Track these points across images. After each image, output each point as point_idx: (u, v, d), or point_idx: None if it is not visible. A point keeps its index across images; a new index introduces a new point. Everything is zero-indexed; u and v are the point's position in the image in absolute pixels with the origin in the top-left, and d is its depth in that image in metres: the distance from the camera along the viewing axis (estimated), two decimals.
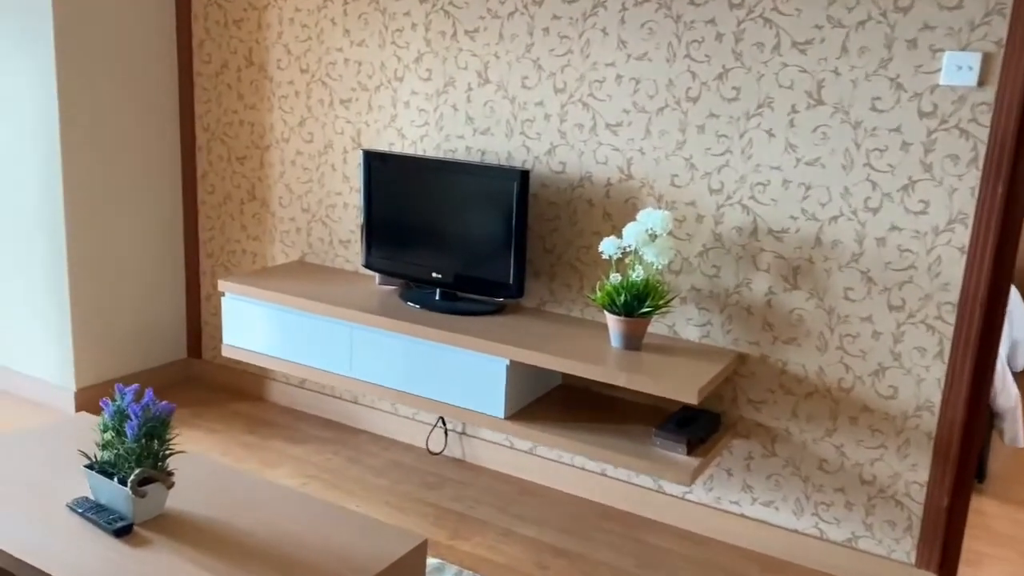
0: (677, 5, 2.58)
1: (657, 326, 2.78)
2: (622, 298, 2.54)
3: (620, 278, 2.55)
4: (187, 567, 1.75)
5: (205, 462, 2.20)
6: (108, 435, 1.90)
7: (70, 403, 3.41)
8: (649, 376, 2.41)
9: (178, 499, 1.98)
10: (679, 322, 2.76)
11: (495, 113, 2.94)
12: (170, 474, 1.92)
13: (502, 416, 2.66)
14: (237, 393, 3.72)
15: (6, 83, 3.28)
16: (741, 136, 2.57)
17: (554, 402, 2.81)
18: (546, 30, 2.80)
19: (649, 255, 2.51)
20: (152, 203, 3.57)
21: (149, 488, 1.87)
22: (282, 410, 3.59)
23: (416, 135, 3.11)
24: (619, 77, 2.71)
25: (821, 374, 2.57)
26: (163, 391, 3.68)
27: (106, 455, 1.90)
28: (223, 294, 3.15)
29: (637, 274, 2.53)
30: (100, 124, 3.32)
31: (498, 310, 2.91)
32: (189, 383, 3.80)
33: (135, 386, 1.96)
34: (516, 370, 2.65)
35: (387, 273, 3.06)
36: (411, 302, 2.93)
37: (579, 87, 2.78)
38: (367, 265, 3.08)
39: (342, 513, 2.01)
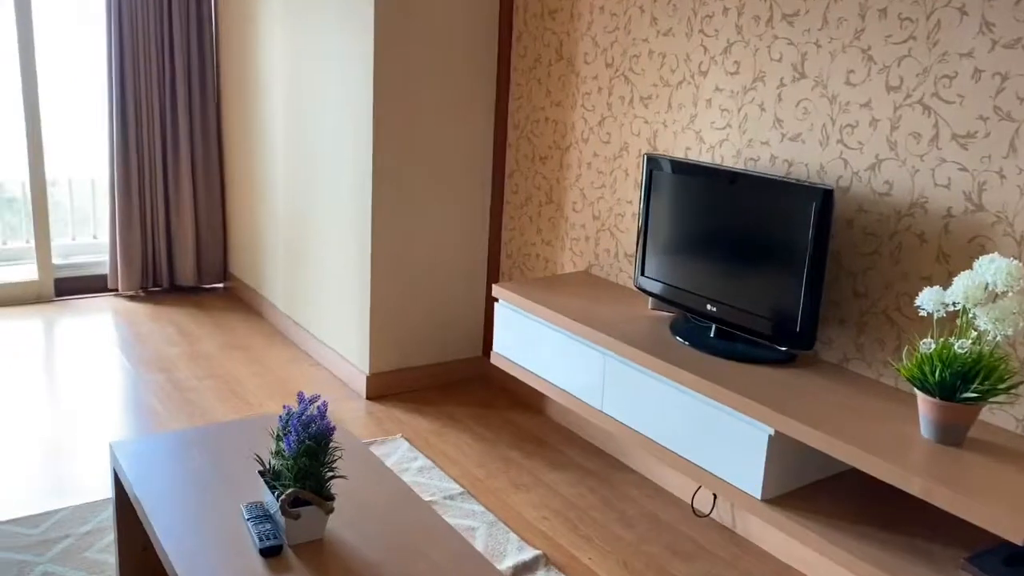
0: None
1: (1001, 416, 2.02)
2: (936, 374, 1.85)
3: (934, 346, 1.86)
4: None
5: (392, 488, 2.01)
6: (279, 444, 1.79)
7: (363, 386, 3.51)
8: (958, 491, 1.71)
9: (346, 526, 1.81)
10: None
11: (809, 115, 2.36)
12: (329, 499, 1.76)
13: (758, 497, 2.12)
14: (517, 400, 3.56)
15: (331, 72, 3.45)
16: None
17: (838, 490, 2.19)
18: (883, 12, 2.16)
19: (983, 320, 1.79)
20: (461, 199, 3.54)
21: (304, 511, 1.73)
22: (554, 427, 3.35)
23: (715, 139, 2.64)
24: (977, 72, 1.98)
25: None
26: (450, 387, 3.65)
27: (277, 465, 1.80)
28: (496, 300, 2.99)
29: (961, 344, 1.82)
30: (414, 116, 3.34)
31: (787, 361, 2.35)
32: (477, 382, 3.73)
33: (318, 396, 1.83)
34: (784, 444, 2.09)
35: (658, 298, 2.64)
36: (680, 336, 2.49)
37: (920, 84, 2.10)
38: (638, 286, 2.70)
39: None
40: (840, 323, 2.35)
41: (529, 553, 2.48)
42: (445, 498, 2.76)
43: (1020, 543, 1.62)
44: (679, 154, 2.76)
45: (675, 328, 2.56)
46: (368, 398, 3.50)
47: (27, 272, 4.49)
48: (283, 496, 1.70)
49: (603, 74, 3.03)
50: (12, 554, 2.32)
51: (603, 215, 3.09)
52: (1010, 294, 1.77)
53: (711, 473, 2.23)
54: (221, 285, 4.88)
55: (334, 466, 1.78)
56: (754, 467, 2.11)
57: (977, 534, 1.99)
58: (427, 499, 2.75)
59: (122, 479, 2.02)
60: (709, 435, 2.22)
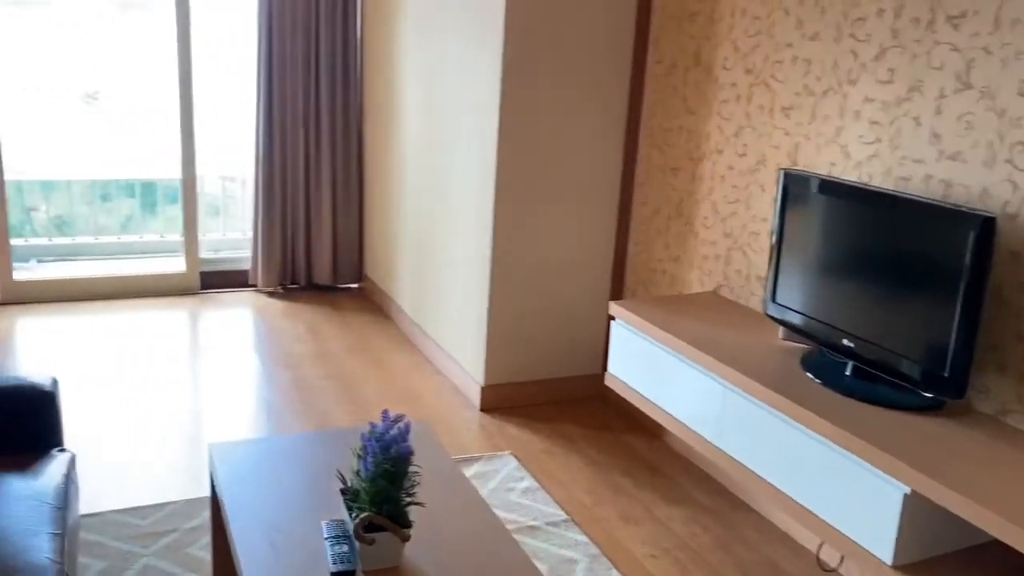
0: None
1: None
2: None
3: None
4: None
5: (478, 519, 1.91)
6: (359, 464, 1.72)
7: (477, 396, 3.44)
8: None
9: (424, 555, 1.72)
10: None
11: (973, 131, 2.08)
12: (406, 526, 1.67)
13: (889, 563, 1.86)
14: (635, 423, 3.38)
15: (460, 81, 3.39)
16: None
17: (983, 562, 1.90)
18: None
19: None
20: (587, 211, 3.40)
21: (379, 536, 1.65)
22: (671, 455, 3.15)
23: (863, 155, 2.38)
24: None
25: None
26: (566, 404, 3.52)
27: (356, 485, 1.73)
28: (613, 318, 2.83)
29: None
30: (541, 125, 3.23)
31: (933, 408, 2.07)
32: (594, 401, 3.58)
33: (402, 416, 1.75)
34: (923, 505, 1.83)
35: (790, 328, 2.41)
36: (811, 373, 2.25)
37: None
38: (768, 313, 2.47)
39: None
40: (999, 369, 2.04)
41: None
42: (548, 524, 2.64)
43: None
44: (822, 170, 2.51)
45: (807, 362, 2.32)
46: (482, 410, 3.43)
47: (176, 265, 4.72)
48: (357, 520, 1.63)
49: (742, 81, 2.81)
50: (120, 544, 2.39)
51: (735, 232, 2.87)
52: None
53: (837, 530, 1.99)
54: (356, 285, 4.96)
55: (413, 492, 1.69)
56: (886, 528, 1.86)
57: None
58: (529, 524, 2.63)
59: (215, 480, 2.02)
60: (837, 487, 1.98)
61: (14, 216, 4.54)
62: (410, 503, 1.68)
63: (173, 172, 4.65)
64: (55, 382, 2.13)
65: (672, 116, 3.16)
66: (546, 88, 3.21)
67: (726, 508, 2.82)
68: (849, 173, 2.42)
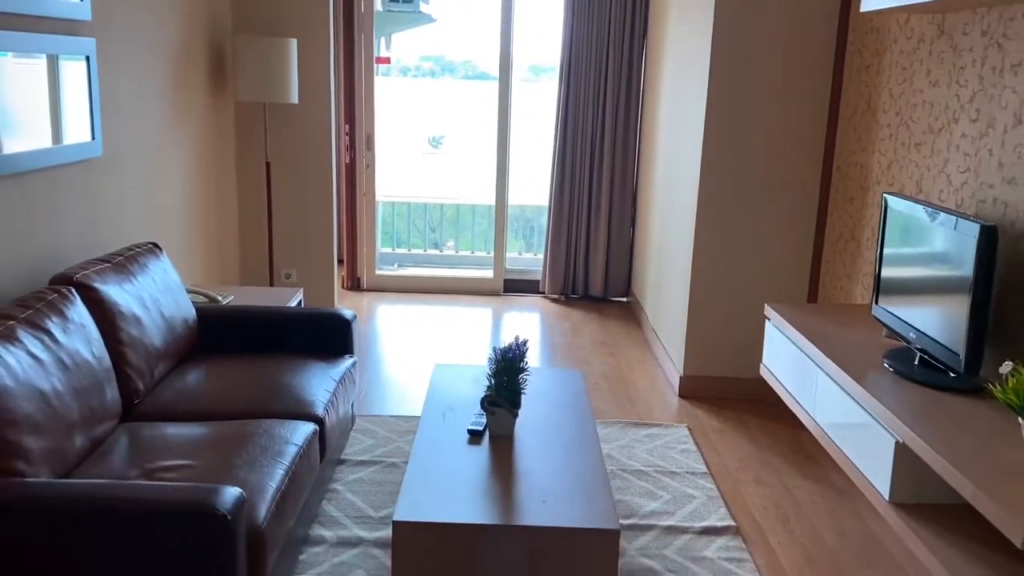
0: None
1: None
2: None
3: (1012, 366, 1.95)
4: (496, 465, 2.39)
5: (583, 422, 2.72)
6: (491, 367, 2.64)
7: (677, 384, 4.16)
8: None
9: (532, 435, 2.59)
10: None
11: (1022, 160, 2.44)
12: (515, 406, 2.56)
13: (887, 498, 2.33)
14: None
15: (686, 122, 4.16)
16: None
17: (970, 517, 2.27)
18: None
19: None
20: (784, 234, 3.97)
21: (497, 411, 2.56)
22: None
23: (959, 182, 2.78)
24: None
25: None
26: (757, 400, 4.08)
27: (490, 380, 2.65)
28: (768, 317, 3.41)
29: None
30: (745, 161, 3.90)
31: (970, 391, 2.45)
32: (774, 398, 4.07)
33: (526, 340, 2.64)
34: (914, 456, 2.28)
35: (886, 327, 2.86)
36: (889, 362, 2.71)
37: None
38: (873, 315, 2.93)
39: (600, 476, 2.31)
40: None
41: (726, 522, 2.93)
42: (688, 473, 3.31)
43: (1021, 544, 1.72)
44: (934, 196, 2.92)
45: (890, 355, 2.77)
46: (680, 396, 4.14)
47: (487, 273, 6.03)
48: (483, 396, 2.56)
49: (893, 122, 3.27)
50: (381, 429, 3.55)
51: None
52: None
53: (862, 472, 2.47)
54: (624, 299, 5.87)
55: (524, 385, 2.58)
56: (885, 469, 2.33)
57: None
58: (672, 470, 3.32)
59: (430, 384, 3.07)
60: (866, 439, 2.47)
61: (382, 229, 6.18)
62: (520, 392, 2.57)
63: (489, 199, 5.97)
64: (354, 316, 3.36)
65: (849, 151, 3.65)
66: (749, 131, 3.88)
67: (856, 491, 3.24)
68: (950, 198, 2.82)
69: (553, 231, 5.74)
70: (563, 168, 5.64)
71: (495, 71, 5.63)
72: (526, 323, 5.31)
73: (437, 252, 6.85)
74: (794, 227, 3.97)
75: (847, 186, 3.69)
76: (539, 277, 5.98)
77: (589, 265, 5.82)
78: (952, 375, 2.48)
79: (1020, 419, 1.99)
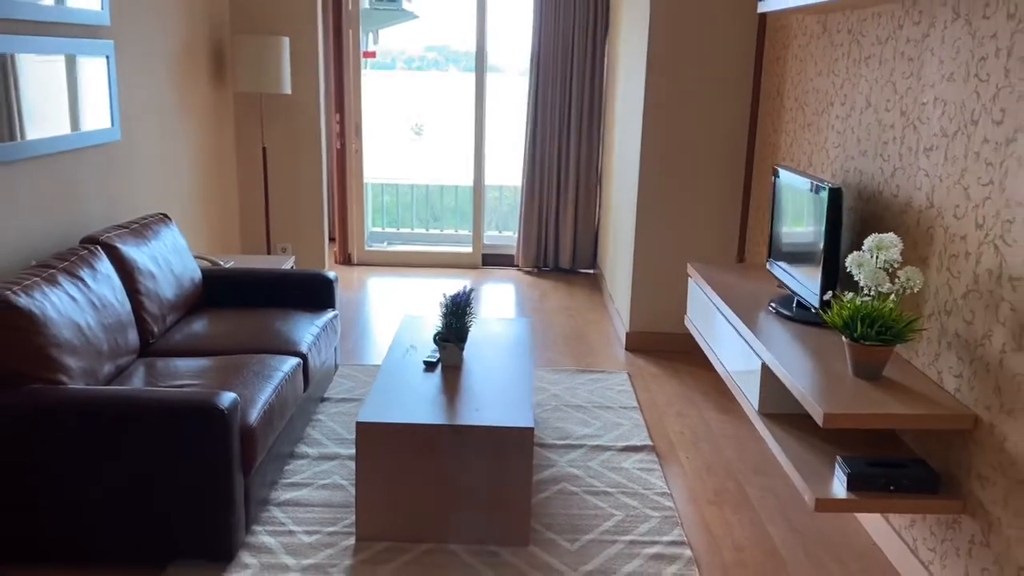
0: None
1: (929, 369, 2.52)
2: (844, 319, 2.51)
3: (850, 296, 2.51)
4: (444, 386, 2.96)
5: (520, 357, 3.29)
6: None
7: (624, 338, 4.73)
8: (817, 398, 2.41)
9: (478, 364, 3.16)
10: (945, 369, 2.46)
11: None
12: (461, 340, 3.13)
13: (756, 409, 2.90)
14: None
15: (630, 105, 4.71)
16: (1000, 165, 2.20)
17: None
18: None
19: (860, 278, 2.43)
20: (712, 203, 4.53)
21: (447, 345, 3.13)
22: None
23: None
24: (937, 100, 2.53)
25: None
26: (674, 355, 4.64)
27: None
28: (690, 276, 3.97)
29: (851, 297, 2.46)
30: (678, 143, 4.45)
31: (826, 324, 3.01)
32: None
33: (472, 288, 3.21)
34: (775, 376, 2.84)
35: (775, 276, 3.42)
36: (773, 305, 3.27)
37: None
38: (768, 269, 3.49)
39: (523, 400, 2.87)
40: None
41: (645, 442, 3.50)
42: (620, 407, 3.88)
43: (820, 423, 2.29)
44: (818, 169, 3.48)
45: (775, 300, 3.33)
46: (626, 349, 4.70)
47: (467, 248, 6.60)
48: (434, 335, 3.13)
49: (793, 106, 3.82)
50: (361, 375, 4.13)
51: None
52: (872, 259, 2.39)
53: (742, 389, 3.04)
54: (591, 271, 6.43)
55: (469, 326, 3.15)
56: (755, 385, 2.90)
57: (879, 450, 2.54)
58: (605, 405, 3.89)
59: (398, 330, 3.64)
60: (747, 362, 3.04)
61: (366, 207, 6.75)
62: (466, 330, 3.14)
63: (467, 181, 6.53)
64: (335, 277, 3.93)
65: (765, 133, 4.20)
66: (684, 111, 4.43)
67: None
68: (827, 170, 3.37)
69: (526, 209, 6.30)
70: (534, 153, 6.20)
71: (472, 64, 6.19)
72: (501, 292, 5.88)
73: (423, 231, 7.42)
74: (724, 199, 4.53)
75: (764, 162, 4.24)
76: (513, 252, 6.55)
77: (559, 240, 6.38)
78: (813, 312, 3.05)
79: (843, 337, 2.55)
